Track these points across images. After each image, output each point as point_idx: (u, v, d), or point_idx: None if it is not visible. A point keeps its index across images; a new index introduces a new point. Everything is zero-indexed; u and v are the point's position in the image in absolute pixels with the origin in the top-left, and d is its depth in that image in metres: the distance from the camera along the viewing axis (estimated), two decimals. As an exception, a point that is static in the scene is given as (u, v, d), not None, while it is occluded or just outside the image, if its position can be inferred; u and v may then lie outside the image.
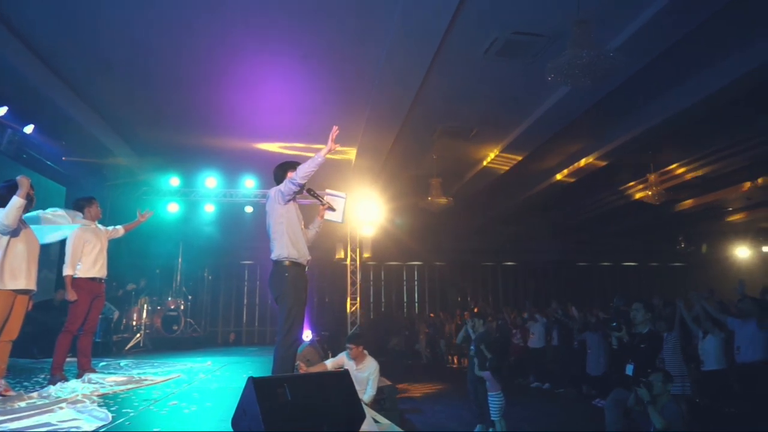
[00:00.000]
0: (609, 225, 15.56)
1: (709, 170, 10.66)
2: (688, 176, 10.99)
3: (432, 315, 16.03)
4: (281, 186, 4.21)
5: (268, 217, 4.27)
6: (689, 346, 6.49)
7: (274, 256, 4.16)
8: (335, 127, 4.23)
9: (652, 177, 10.77)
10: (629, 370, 5.66)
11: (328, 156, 4.12)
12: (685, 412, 5.44)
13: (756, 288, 8.35)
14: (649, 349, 5.75)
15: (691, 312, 6.20)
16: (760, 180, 11.60)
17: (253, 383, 2.70)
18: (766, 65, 6.31)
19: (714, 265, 16.95)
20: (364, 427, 3.10)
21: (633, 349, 5.88)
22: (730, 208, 14.16)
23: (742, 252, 17.02)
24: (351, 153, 9.70)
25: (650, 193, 10.81)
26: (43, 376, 5.33)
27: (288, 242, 4.14)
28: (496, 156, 10.01)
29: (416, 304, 17.77)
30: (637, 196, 11.99)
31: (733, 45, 6.40)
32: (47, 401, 3.89)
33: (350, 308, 11.54)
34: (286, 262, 4.12)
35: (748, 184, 11.83)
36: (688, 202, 13.23)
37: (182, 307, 11.50)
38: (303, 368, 6.32)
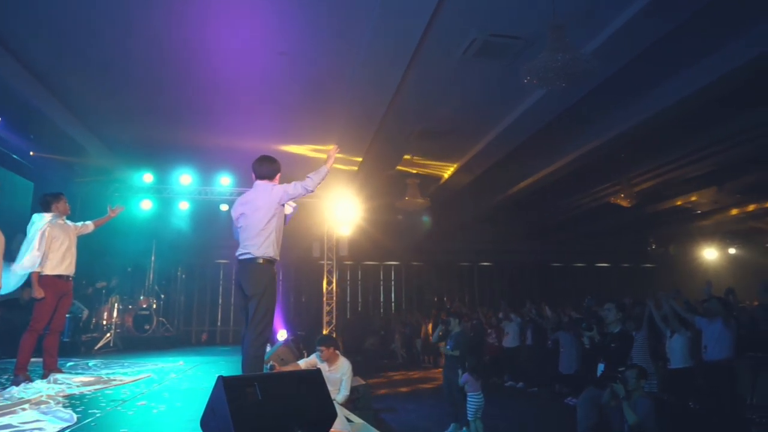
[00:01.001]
0: (583, 227, 15.82)
1: (678, 174, 10.92)
2: (658, 180, 11.25)
3: (410, 315, 16.08)
4: (289, 187, 4.19)
5: (256, 211, 4.14)
6: (659, 344, 6.63)
7: (258, 252, 4.06)
8: (336, 146, 4.43)
9: (623, 181, 10.99)
10: (600, 369, 5.76)
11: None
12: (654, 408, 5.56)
13: (723, 288, 8.59)
14: (620, 349, 5.86)
15: (660, 311, 6.34)
16: (726, 185, 11.94)
17: (223, 382, 2.67)
18: (732, 73, 6.49)
19: (683, 266, 17.38)
20: (336, 426, 3.09)
21: (604, 349, 5.99)
22: (699, 212, 14.53)
23: (709, 254, 17.49)
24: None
25: (622, 195, 11.02)
26: (6, 376, 5.17)
27: (274, 240, 4.11)
28: (471, 158, 10.09)
29: (393, 304, 17.78)
30: (610, 199, 12.22)
31: (702, 51, 6.57)
32: (9, 402, 3.77)
33: (326, 308, 11.49)
34: (262, 260, 4.07)
35: (714, 189, 12.17)
36: (658, 206, 13.54)
37: (154, 306, 11.30)
38: (277, 368, 6.26)
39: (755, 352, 6.32)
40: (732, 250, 17.15)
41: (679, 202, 13.21)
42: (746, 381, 6.01)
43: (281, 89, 7.47)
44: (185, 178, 10.89)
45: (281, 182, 4.32)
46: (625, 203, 10.98)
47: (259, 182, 4.28)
